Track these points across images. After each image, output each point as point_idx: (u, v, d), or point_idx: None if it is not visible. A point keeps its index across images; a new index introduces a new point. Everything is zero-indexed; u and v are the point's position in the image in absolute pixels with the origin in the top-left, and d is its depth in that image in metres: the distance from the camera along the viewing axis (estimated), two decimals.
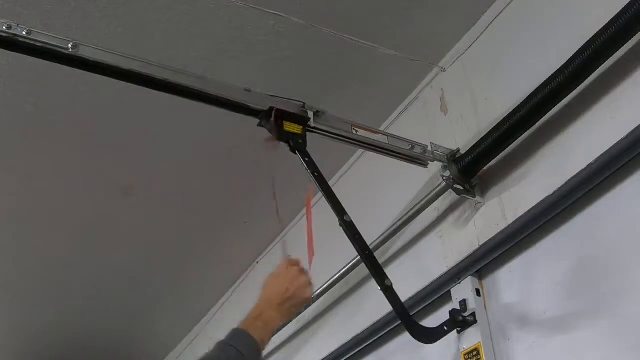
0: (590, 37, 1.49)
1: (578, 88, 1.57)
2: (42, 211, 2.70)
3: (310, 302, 1.43)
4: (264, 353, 1.32)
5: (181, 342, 3.92)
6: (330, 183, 1.68)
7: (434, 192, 1.91)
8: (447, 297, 1.87)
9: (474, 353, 1.68)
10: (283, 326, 1.32)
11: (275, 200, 1.55)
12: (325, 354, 2.40)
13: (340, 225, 1.57)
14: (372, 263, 1.58)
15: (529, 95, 1.65)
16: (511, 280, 1.71)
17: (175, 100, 1.59)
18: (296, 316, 1.40)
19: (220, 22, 1.96)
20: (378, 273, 1.56)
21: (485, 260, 1.77)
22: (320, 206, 1.74)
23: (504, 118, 1.72)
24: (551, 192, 1.58)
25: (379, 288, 1.55)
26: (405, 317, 1.57)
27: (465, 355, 1.71)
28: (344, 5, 1.94)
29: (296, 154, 1.61)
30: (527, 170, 1.71)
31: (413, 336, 1.56)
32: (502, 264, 1.75)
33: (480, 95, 1.96)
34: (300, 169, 1.62)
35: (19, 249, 2.92)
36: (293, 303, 1.38)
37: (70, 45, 1.39)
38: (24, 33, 1.35)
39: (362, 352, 2.23)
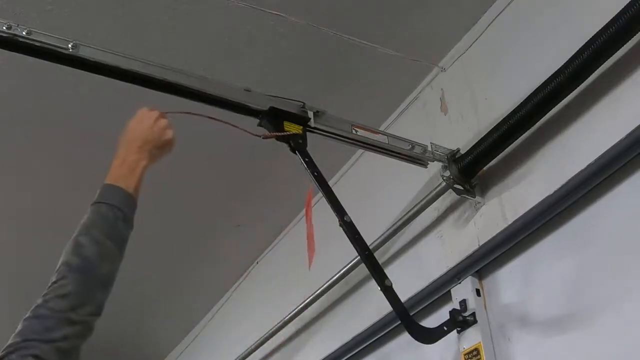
0: (590, 37, 1.49)
1: (578, 88, 1.57)
2: (42, 211, 2.70)
3: (172, 144, 1.39)
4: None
5: (181, 342, 3.92)
6: (330, 183, 1.68)
7: (434, 192, 1.91)
8: (447, 297, 1.87)
9: (474, 353, 1.68)
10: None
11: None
12: (325, 354, 2.40)
13: (340, 225, 1.57)
14: (372, 263, 1.58)
15: (529, 95, 1.65)
16: (511, 280, 1.71)
17: (175, 100, 1.59)
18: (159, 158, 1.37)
19: (220, 22, 1.96)
20: (378, 273, 1.56)
21: (485, 260, 1.77)
22: (320, 206, 1.74)
23: (504, 118, 1.72)
24: (551, 192, 1.58)
25: (379, 288, 1.55)
26: (405, 317, 1.57)
27: (465, 355, 1.71)
28: (344, 5, 1.94)
29: (296, 154, 1.61)
30: (527, 170, 1.71)
31: (413, 336, 1.56)
32: (502, 264, 1.75)
33: (480, 95, 1.96)
34: (300, 168, 1.62)
35: (18, 250, 2.92)
36: (155, 145, 1.34)
37: (70, 45, 1.39)
38: (24, 33, 1.35)
39: (362, 352, 2.23)
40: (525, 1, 1.87)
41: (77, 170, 2.50)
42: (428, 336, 1.61)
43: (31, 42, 1.37)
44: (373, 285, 1.67)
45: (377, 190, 2.35)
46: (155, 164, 2.60)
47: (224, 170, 2.58)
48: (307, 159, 1.61)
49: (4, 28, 1.33)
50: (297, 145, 1.61)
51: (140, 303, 3.49)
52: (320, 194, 1.64)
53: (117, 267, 1.17)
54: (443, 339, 1.65)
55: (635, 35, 1.44)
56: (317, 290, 2.42)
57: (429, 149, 1.86)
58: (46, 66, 1.45)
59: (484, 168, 1.83)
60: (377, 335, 2.13)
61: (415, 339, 1.56)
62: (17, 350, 1.01)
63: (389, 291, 1.54)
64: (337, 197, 1.62)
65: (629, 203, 1.43)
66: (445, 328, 1.67)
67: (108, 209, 1.20)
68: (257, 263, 3.18)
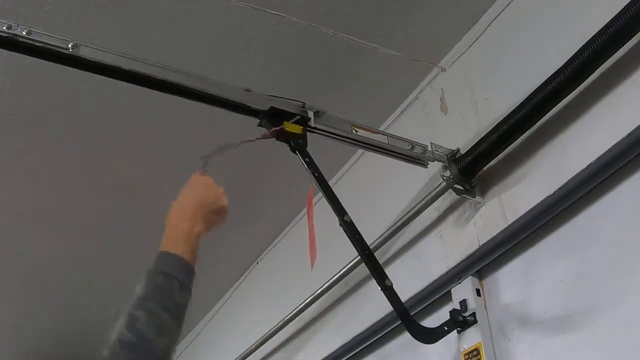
0: (590, 37, 1.49)
1: (578, 88, 1.57)
2: (42, 211, 2.70)
3: (227, 212, 1.35)
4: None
5: (181, 342, 3.92)
6: (330, 183, 1.68)
7: (434, 192, 1.91)
8: (447, 297, 1.87)
9: (474, 353, 1.68)
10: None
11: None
12: (325, 354, 2.40)
13: (341, 225, 1.57)
14: (372, 263, 1.58)
15: (529, 95, 1.65)
16: (511, 280, 1.71)
17: (175, 100, 1.59)
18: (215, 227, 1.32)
19: (221, 22, 1.96)
20: (378, 273, 1.56)
21: (485, 260, 1.77)
22: (321, 206, 1.74)
23: (504, 118, 1.72)
24: (551, 192, 1.58)
25: (379, 288, 1.55)
26: (405, 317, 1.57)
27: (465, 355, 1.71)
28: (344, 5, 1.94)
29: (296, 154, 1.61)
30: (527, 170, 1.71)
31: (413, 336, 1.56)
32: (502, 264, 1.75)
33: (480, 95, 1.96)
34: (300, 169, 1.62)
35: (18, 250, 2.92)
36: (209, 210, 1.30)
37: (70, 45, 1.39)
38: (24, 33, 1.35)
39: (362, 352, 2.23)
40: (525, 1, 1.87)
41: (77, 170, 2.50)
42: (428, 336, 1.61)
43: (31, 42, 1.36)
44: (373, 285, 1.67)
45: (377, 190, 2.35)
46: (155, 164, 2.61)
47: (224, 170, 2.57)
48: (307, 159, 1.61)
49: (4, 28, 1.33)
50: (298, 145, 1.61)
51: None
52: (320, 194, 1.64)
53: (175, 340, 1.10)
54: (443, 339, 1.65)
55: (635, 35, 1.44)
56: (317, 290, 2.42)
57: (429, 149, 1.86)
58: (46, 66, 1.45)
59: (484, 168, 1.83)
60: (377, 335, 2.13)
61: (416, 339, 1.56)
62: None
63: (389, 291, 1.54)
64: (337, 197, 1.62)
65: (629, 203, 1.43)
66: (445, 328, 1.68)
67: (164, 279, 1.14)
68: (257, 263, 3.18)
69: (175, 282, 1.13)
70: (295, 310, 2.57)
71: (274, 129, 1.58)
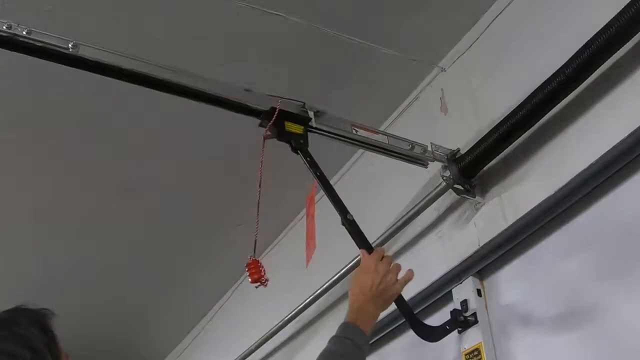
0: (590, 37, 1.49)
1: (578, 88, 1.57)
2: (41, 211, 2.70)
3: (398, 294, 1.48)
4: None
5: (181, 342, 3.92)
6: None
7: (434, 192, 1.91)
8: (448, 297, 1.87)
9: (475, 353, 1.68)
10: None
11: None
12: None
13: (343, 224, 1.57)
14: None
15: (529, 95, 1.65)
16: (512, 281, 1.71)
17: (175, 100, 1.59)
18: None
19: (220, 22, 1.96)
20: None
21: (486, 261, 1.77)
22: (320, 206, 1.74)
23: (504, 118, 1.72)
24: (552, 192, 1.58)
25: None
26: (408, 316, 1.57)
27: (466, 355, 1.71)
28: (344, 5, 1.94)
29: (298, 154, 1.61)
30: (527, 170, 1.71)
31: (418, 334, 1.57)
32: (503, 264, 1.75)
33: (480, 95, 1.96)
34: (299, 169, 1.61)
35: (18, 250, 2.92)
36: (385, 296, 1.43)
37: (70, 45, 1.39)
38: (24, 33, 1.35)
39: None
40: (525, 1, 1.87)
41: (77, 170, 2.50)
42: (432, 335, 1.62)
43: (31, 42, 1.37)
44: None
45: (377, 190, 2.35)
46: (155, 164, 2.61)
47: (224, 170, 2.58)
48: (309, 159, 1.61)
49: (4, 28, 1.33)
50: (299, 145, 1.61)
51: (140, 303, 3.49)
52: (319, 194, 1.64)
53: None
54: (444, 339, 1.66)
55: (635, 35, 1.44)
56: (317, 290, 2.42)
57: (429, 149, 1.86)
58: (46, 66, 1.45)
59: (484, 168, 1.83)
60: (377, 335, 2.12)
61: (421, 338, 1.57)
62: None
63: None
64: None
65: (630, 203, 1.43)
66: (447, 327, 1.68)
67: (351, 344, 1.34)
68: None
69: (359, 352, 1.35)
70: (295, 310, 2.57)
71: (269, 124, 1.58)
